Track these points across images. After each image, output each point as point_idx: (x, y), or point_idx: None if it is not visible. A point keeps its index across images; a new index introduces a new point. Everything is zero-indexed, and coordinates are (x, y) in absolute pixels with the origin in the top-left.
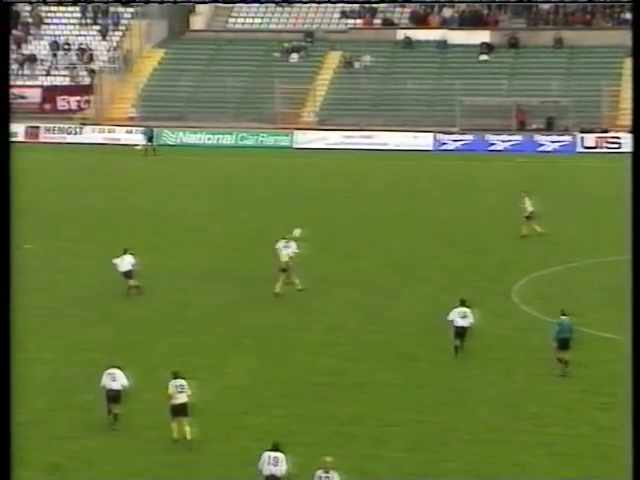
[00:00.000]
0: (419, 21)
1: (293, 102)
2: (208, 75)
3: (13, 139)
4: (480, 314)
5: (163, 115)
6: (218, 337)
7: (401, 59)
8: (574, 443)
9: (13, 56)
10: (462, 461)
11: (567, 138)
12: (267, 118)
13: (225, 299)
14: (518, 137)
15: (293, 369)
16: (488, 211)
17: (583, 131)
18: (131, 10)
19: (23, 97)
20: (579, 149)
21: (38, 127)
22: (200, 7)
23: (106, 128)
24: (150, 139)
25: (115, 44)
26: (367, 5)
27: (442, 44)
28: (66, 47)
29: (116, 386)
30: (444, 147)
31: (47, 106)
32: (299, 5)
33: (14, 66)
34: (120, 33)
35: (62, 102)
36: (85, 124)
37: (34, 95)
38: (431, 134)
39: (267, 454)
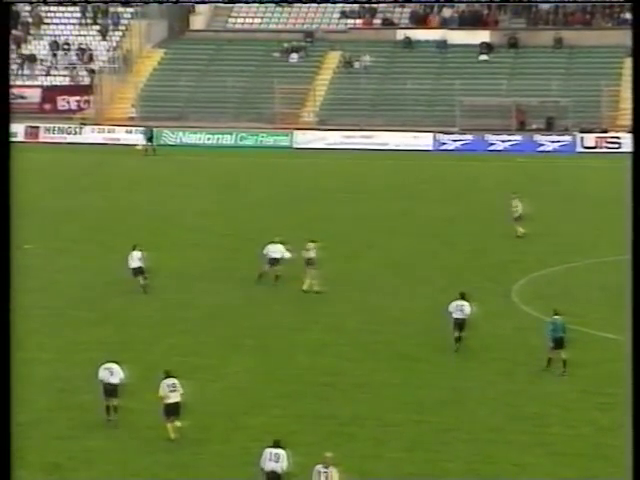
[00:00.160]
0: (419, 21)
1: (293, 102)
2: (208, 75)
3: (13, 139)
4: (480, 314)
5: (163, 115)
6: (218, 337)
7: (401, 59)
8: (574, 443)
9: (13, 56)
10: (462, 461)
11: (567, 138)
12: (267, 118)
13: (225, 299)
14: (518, 137)
15: (293, 369)
16: (488, 211)
17: (583, 131)
18: (131, 10)
19: (23, 97)
20: (579, 149)
21: (38, 127)
22: (200, 7)
23: (106, 128)
24: (150, 139)
25: (115, 44)
26: (367, 5)
27: (442, 44)
28: (66, 47)
29: (114, 380)
30: (444, 147)
31: (47, 106)
32: (299, 5)
33: (14, 66)
34: (120, 33)
35: (62, 102)
36: (85, 124)
37: (34, 95)
38: (431, 134)
39: (268, 450)
